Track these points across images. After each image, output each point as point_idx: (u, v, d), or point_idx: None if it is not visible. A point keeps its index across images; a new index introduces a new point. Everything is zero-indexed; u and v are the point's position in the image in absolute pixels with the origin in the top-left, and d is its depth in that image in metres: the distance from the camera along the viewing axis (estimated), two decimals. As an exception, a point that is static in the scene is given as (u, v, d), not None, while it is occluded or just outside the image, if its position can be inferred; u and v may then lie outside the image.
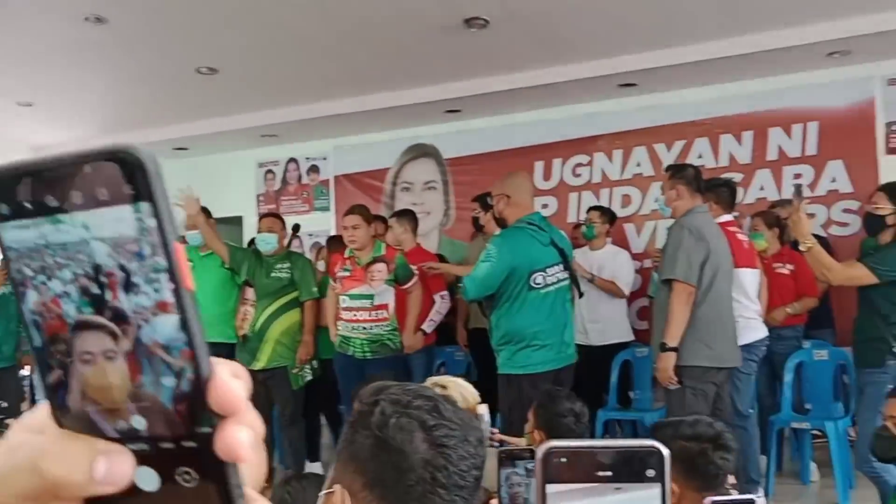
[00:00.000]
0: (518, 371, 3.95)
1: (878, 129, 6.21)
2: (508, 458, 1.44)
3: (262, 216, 5.45)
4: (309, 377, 5.10)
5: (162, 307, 0.37)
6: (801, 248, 3.78)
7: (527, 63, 6.30)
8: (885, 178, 5.90)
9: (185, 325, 0.37)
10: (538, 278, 3.97)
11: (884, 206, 3.76)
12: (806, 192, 6.17)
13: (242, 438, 0.37)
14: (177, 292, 0.36)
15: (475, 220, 5.85)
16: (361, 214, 4.86)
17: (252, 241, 6.52)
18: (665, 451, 0.61)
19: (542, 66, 6.37)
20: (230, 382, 0.38)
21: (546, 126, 7.28)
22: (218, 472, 0.38)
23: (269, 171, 8.70)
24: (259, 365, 5.02)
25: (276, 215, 5.42)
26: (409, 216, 5.83)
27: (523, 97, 6.87)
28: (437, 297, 5.40)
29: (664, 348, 3.87)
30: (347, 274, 4.85)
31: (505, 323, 4.00)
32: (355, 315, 4.78)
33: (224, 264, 5.25)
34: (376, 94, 7.09)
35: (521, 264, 3.94)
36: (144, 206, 0.36)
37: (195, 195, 5.15)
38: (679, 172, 4.18)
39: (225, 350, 5.24)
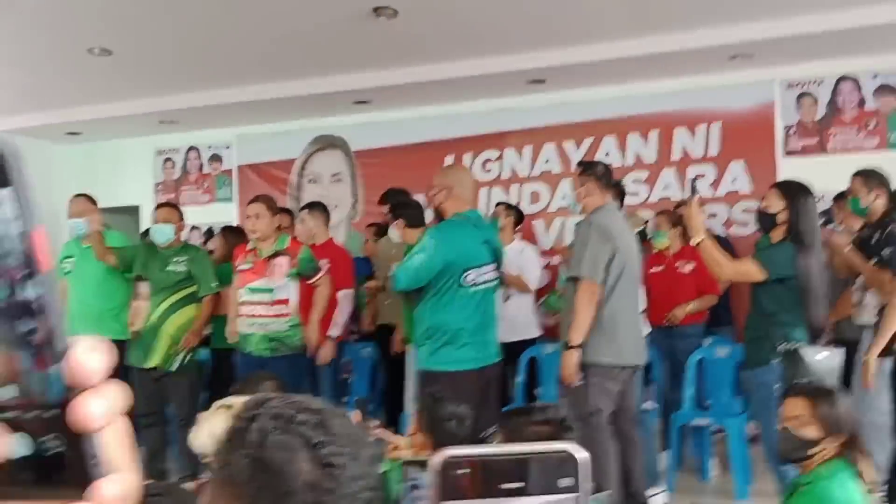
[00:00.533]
0: (440, 367, 3.84)
1: (777, 131, 6.39)
2: (414, 468, 1.37)
3: (157, 206, 5.16)
4: (176, 365, 4.82)
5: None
6: (693, 242, 3.74)
7: (437, 56, 6.21)
8: (783, 178, 6.07)
9: (41, 301, 0.40)
10: (470, 276, 3.87)
11: (774, 204, 3.75)
12: (704, 190, 6.31)
13: (91, 409, 0.41)
14: (33, 272, 0.41)
15: (384, 225, 5.71)
16: (265, 204, 4.66)
17: (145, 233, 6.23)
18: (581, 456, 0.51)
19: (452, 60, 6.30)
20: (83, 356, 0.41)
21: (457, 120, 7.22)
22: (77, 441, 0.41)
23: (169, 160, 8.35)
24: (153, 362, 4.76)
25: (174, 205, 5.14)
26: (320, 209, 5.65)
27: (434, 90, 6.79)
28: (340, 296, 5.24)
29: (567, 346, 3.84)
30: (248, 267, 4.63)
31: (429, 317, 3.88)
32: (253, 310, 4.56)
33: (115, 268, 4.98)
34: (282, 82, 6.88)
35: (456, 260, 3.83)
36: (5, 192, 0.41)
37: (99, 217, 4.92)
38: (589, 169, 4.15)
39: (116, 348, 4.96)
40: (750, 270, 3.69)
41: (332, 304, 5.13)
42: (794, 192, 3.77)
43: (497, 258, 4.03)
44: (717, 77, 6.44)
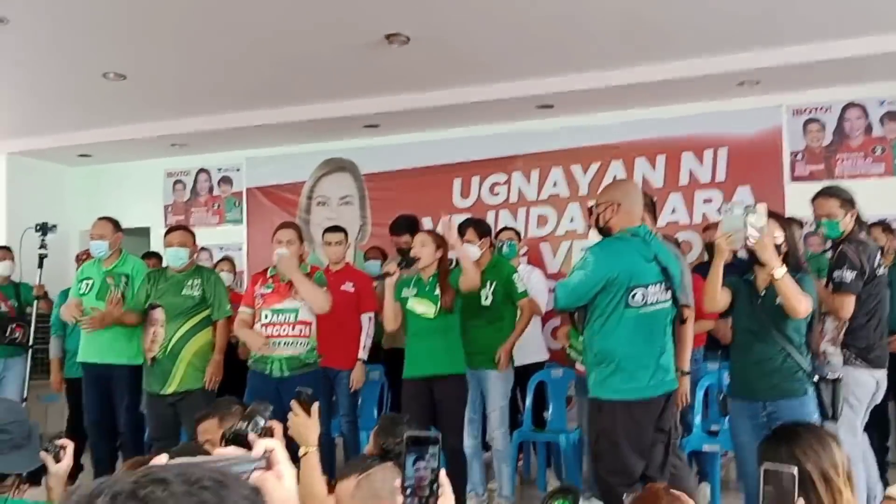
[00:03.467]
0: (611, 396, 3.54)
1: (784, 156, 6.43)
2: (414, 444, 1.44)
3: (170, 229, 5.17)
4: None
5: None
6: (777, 274, 3.47)
7: (446, 81, 6.28)
8: (790, 204, 6.11)
9: None
10: (637, 295, 3.53)
11: (777, 235, 3.60)
12: (712, 214, 6.32)
13: None
14: None
15: (400, 251, 5.70)
16: (296, 231, 4.75)
17: (147, 254, 6.32)
18: None
19: (461, 85, 6.36)
20: None
21: (465, 144, 7.28)
22: None
23: (179, 182, 8.41)
24: (171, 389, 4.78)
25: (187, 228, 5.16)
26: (346, 233, 5.77)
27: (443, 115, 6.85)
28: (364, 319, 5.29)
29: (685, 373, 3.89)
30: (270, 290, 4.67)
31: (598, 341, 3.59)
32: (277, 331, 4.60)
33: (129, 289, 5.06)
34: (293, 106, 6.95)
35: (618, 277, 3.51)
36: None
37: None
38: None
39: (127, 372, 5.01)
40: (808, 304, 3.54)
41: (356, 327, 5.20)
42: (788, 222, 3.74)
43: (668, 277, 3.64)
44: (725, 103, 6.49)
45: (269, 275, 4.74)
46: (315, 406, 2.72)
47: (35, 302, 6.11)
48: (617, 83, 6.09)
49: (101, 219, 5.26)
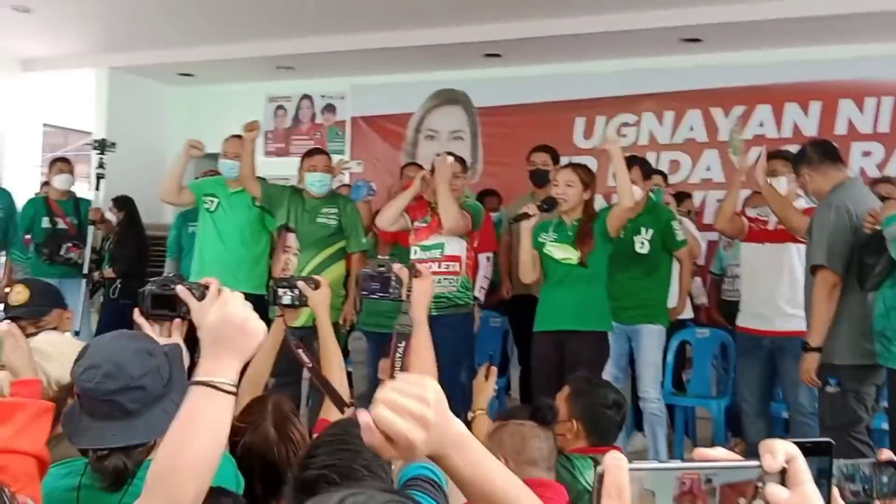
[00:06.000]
0: None
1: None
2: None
3: (311, 151, 4.76)
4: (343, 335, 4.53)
5: None
6: None
7: (586, 7, 5.74)
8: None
9: None
10: None
11: None
12: (875, 173, 5.76)
13: None
14: None
15: (535, 173, 5.21)
16: (462, 164, 4.45)
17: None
18: None
19: (600, 12, 5.82)
20: None
21: (592, 80, 6.75)
22: None
23: (280, 107, 8.03)
24: (300, 322, 4.45)
25: (326, 152, 4.77)
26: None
27: (573, 45, 6.31)
28: (482, 259, 4.86)
29: (806, 348, 3.40)
30: (425, 224, 4.29)
31: None
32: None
33: (255, 202, 4.65)
34: (407, 30, 6.46)
35: None
36: None
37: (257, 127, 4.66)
38: (801, 160, 3.67)
39: (252, 301, 4.64)
40: None
41: (473, 265, 4.77)
42: None
43: None
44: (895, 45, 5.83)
45: (430, 206, 4.32)
46: (493, 372, 2.75)
47: (91, 226, 5.78)
48: (776, 16, 5.49)
49: (235, 136, 4.90)
